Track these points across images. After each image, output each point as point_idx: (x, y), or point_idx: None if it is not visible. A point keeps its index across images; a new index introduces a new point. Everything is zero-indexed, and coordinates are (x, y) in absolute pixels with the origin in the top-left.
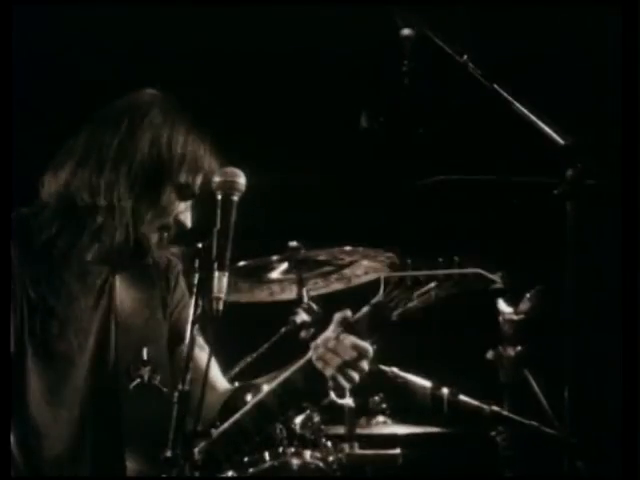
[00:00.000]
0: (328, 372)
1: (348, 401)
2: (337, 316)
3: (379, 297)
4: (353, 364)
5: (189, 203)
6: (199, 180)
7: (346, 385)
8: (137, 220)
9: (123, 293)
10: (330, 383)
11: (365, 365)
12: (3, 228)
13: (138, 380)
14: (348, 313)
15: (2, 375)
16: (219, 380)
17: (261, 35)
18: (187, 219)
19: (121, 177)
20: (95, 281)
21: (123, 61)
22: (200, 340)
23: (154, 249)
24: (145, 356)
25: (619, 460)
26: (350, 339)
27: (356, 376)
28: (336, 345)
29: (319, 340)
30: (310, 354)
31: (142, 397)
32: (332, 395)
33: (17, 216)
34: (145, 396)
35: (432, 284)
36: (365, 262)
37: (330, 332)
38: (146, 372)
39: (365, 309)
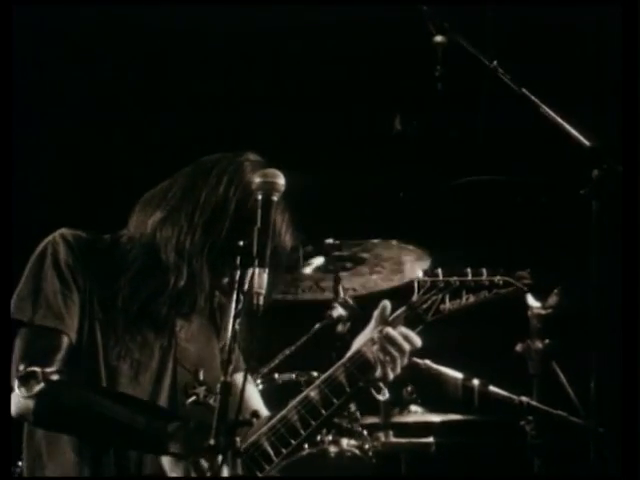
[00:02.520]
0: (377, 359)
1: (386, 395)
2: (376, 313)
3: (414, 298)
4: (402, 355)
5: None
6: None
7: (391, 375)
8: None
9: (181, 321)
10: (378, 372)
11: (406, 359)
12: (4, 227)
13: (194, 397)
14: (387, 303)
15: (2, 376)
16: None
17: (295, 39)
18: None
19: (206, 248)
20: (164, 320)
21: (123, 61)
22: None
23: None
24: (201, 377)
25: None
26: (402, 329)
27: (399, 368)
28: (392, 333)
29: (367, 330)
30: (352, 352)
31: (197, 413)
32: (374, 392)
33: (99, 240)
34: (199, 412)
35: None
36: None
37: (371, 327)
38: (201, 391)
39: (401, 309)
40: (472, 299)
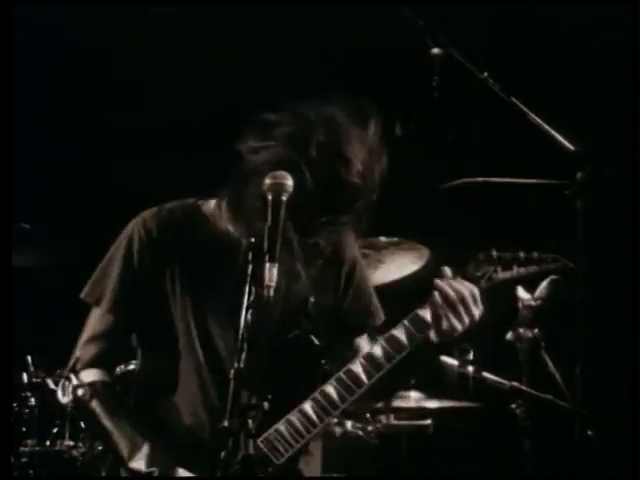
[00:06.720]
0: (442, 311)
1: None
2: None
3: (468, 268)
4: (466, 305)
5: None
6: None
7: (457, 326)
8: None
9: None
10: (444, 324)
11: (475, 311)
12: (4, 229)
13: (297, 331)
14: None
15: (2, 374)
16: None
17: (298, 48)
18: None
19: None
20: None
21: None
22: None
23: None
24: (309, 307)
25: (624, 430)
26: (460, 281)
27: (466, 318)
28: (453, 283)
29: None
30: (409, 318)
31: (295, 347)
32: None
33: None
34: (296, 347)
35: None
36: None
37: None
38: (306, 324)
39: (458, 278)
40: (523, 271)
